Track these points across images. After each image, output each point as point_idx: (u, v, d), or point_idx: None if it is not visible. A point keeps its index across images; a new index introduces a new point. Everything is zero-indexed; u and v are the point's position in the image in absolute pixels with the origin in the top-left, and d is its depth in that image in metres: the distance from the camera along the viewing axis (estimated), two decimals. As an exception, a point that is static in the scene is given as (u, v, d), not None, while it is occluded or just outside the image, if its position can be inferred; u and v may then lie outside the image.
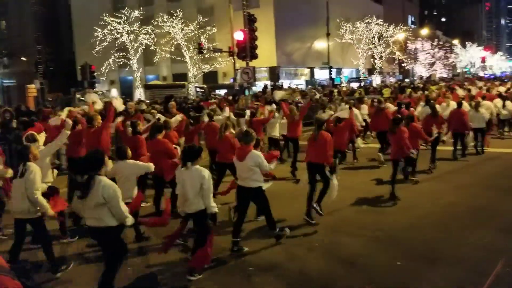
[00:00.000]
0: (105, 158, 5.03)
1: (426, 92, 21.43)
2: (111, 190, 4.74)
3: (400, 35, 60.24)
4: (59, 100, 31.21)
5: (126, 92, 49.22)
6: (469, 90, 19.51)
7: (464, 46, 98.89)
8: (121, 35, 41.85)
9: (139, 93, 42.57)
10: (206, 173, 5.57)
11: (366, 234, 6.93)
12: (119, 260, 5.10)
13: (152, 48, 43.32)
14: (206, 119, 10.62)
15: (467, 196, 8.74)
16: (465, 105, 12.87)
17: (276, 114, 12.22)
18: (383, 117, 11.87)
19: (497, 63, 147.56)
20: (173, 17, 42.30)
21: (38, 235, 6.07)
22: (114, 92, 55.22)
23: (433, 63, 77.16)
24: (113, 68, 45.58)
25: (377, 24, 56.18)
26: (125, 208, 4.89)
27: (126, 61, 43.89)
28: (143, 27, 42.78)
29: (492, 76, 72.25)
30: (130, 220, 4.99)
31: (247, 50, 21.41)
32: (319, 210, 7.44)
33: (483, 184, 9.64)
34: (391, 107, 13.54)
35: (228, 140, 8.38)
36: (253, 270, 5.78)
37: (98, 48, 41.77)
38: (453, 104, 13.00)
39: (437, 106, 12.53)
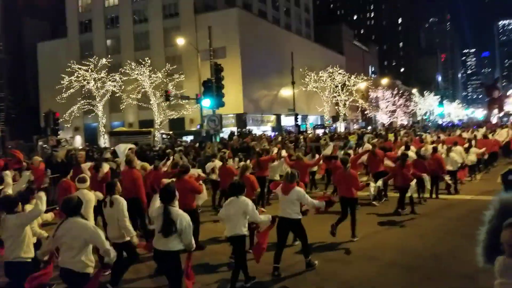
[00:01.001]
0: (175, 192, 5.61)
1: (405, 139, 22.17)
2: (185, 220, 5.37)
3: (362, 84, 62.55)
4: (19, 148, 30.34)
5: (90, 139, 48.56)
6: (438, 137, 21.11)
7: (422, 94, 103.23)
8: (88, 82, 41.75)
9: (103, 140, 42.02)
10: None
11: (329, 286, 6.92)
12: (180, 279, 5.57)
13: (118, 95, 43.31)
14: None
15: (430, 243, 8.91)
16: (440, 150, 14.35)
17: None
18: (378, 160, 13.18)
19: (455, 111, 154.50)
20: (141, 65, 42.67)
21: (131, 256, 6.79)
22: (78, 139, 54.35)
23: (394, 111, 79.96)
24: (77, 115, 45.13)
25: (339, 73, 58.28)
26: None
27: (91, 108, 43.57)
28: (111, 74, 42.90)
29: (450, 124, 75.33)
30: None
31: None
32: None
33: (445, 230, 9.86)
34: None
35: (248, 179, 9.02)
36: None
37: (64, 95, 41.43)
38: (429, 149, 14.36)
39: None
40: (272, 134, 44.51)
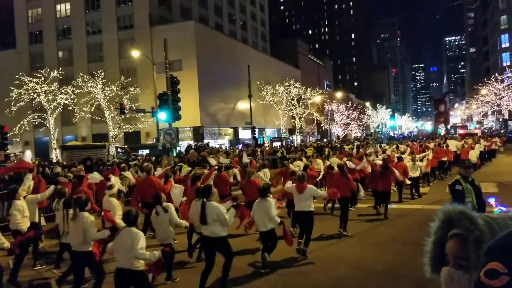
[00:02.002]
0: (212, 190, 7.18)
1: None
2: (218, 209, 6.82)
3: (317, 98, 63.79)
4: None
5: (42, 154, 46.80)
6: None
7: (375, 108, 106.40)
8: (38, 95, 40.26)
9: (55, 155, 40.55)
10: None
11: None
12: (232, 257, 7.08)
13: (71, 108, 42.02)
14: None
15: (384, 253, 9.11)
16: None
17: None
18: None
19: (406, 124, 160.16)
20: (95, 77, 41.68)
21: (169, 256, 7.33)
22: (28, 154, 52.18)
23: (349, 124, 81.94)
24: (27, 129, 43.37)
25: (295, 87, 59.20)
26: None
27: (42, 121, 42.02)
28: (62, 87, 41.59)
29: (401, 136, 78.01)
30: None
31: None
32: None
33: (399, 240, 10.12)
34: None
35: (254, 183, 10.37)
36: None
37: (13, 108, 39.77)
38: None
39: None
40: (240, 146, 44.51)
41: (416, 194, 15.46)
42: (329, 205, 13.51)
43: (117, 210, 8.19)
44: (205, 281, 6.84)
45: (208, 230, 6.83)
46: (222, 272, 6.97)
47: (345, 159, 15.48)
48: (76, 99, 42.16)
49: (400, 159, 15.29)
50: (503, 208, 4.43)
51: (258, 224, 8.13)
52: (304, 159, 18.44)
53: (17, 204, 8.27)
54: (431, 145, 23.17)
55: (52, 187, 9.75)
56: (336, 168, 11.93)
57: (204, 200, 6.87)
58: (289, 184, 9.78)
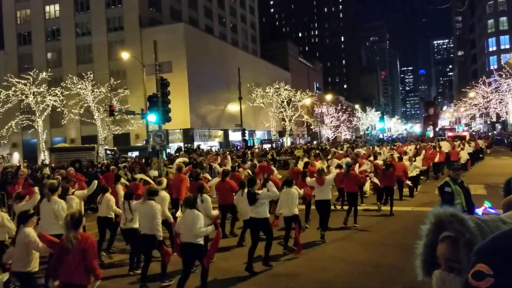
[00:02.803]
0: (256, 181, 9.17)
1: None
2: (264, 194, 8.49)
3: (307, 100, 64.00)
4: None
5: (30, 156, 46.33)
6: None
7: (364, 110, 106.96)
8: (27, 97, 39.86)
9: (44, 157, 40.17)
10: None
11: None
12: (272, 236, 8.57)
13: (60, 109, 41.66)
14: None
15: (375, 255, 9.15)
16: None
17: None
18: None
19: (395, 126, 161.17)
20: (84, 79, 41.39)
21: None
22: (16, 156, 51.72)
23: (338, 126, 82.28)
24: (15, 131, 42.87)
25: (285, 89, 59.35)
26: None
27: (31, 123, 41.61)
28: (51, 88, 41.23)
29: (391, 138, 78.46)
30: None
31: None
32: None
33: (388, 242, 10.18)
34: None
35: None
36: None
37: (1, 110, 39.34)
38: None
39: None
40: (238, 146, 44.28)
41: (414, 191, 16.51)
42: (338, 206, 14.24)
43: (166, 202, 9.17)
44: (252, 256, 8.16)
45: (254, 212, 8.35)
46: (265, 251, 8.32)
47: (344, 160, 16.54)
48: (65, 101, 41.82)
49: (400, 159, 16.47)
50: (492, 210, 4.49)
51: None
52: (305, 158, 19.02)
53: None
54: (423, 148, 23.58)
55: (95, 182, 10.54)
56: (344, 166, 12.88)
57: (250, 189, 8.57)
58: (308, 179, 11.29)
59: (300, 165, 14.69)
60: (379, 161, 15.44)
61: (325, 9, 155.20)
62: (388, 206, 13.27)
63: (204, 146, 47.30)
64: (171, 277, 7.71)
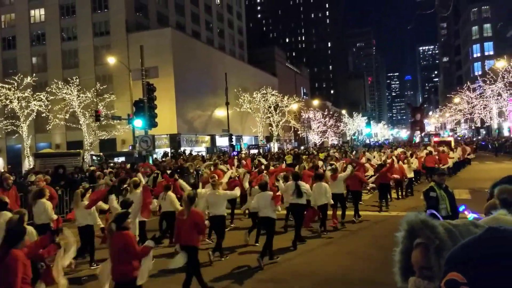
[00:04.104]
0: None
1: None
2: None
3: (294, 105, 64.18)
4: None
5: (14, 162, 45.68)
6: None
7: (351, 115, 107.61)
8: (11, 102, 39.31)
9: (28, 163, 39.63)
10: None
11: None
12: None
13: (44, 115, 41.16)
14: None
15: (359, 260, 9.15)
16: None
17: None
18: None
19: (381, 131, 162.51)
20: (69, 84, 40.99)
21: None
22: (0, 162, 50.92)
23: (325, 131, 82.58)
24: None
25: (272, 94, 59.46)
26: None
27: (15, 128, 41.02)
28: (36, 93, 40.74)
29: (378, 143, 78.98)
30: None
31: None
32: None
33: (374, 247, 10.19)
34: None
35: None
36: None
37: (-17, 115, 38.75)
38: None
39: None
40: (234, 152, 44.04)
41: (409, 191, 18.07)
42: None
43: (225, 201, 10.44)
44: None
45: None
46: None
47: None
48: (50, 106, 41.37)
49: (398, 160, 18.12)
50: (475, 215, 4.49)
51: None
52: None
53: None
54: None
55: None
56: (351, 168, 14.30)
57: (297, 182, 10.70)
58: (328, 172, 13.27)
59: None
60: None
61: (312, 15, 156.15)
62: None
63: (191, 151, 47.05)
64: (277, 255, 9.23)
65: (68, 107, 41.45)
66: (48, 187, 12.31)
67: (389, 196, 16.18)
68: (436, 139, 48.14)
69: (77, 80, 41.98)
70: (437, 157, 22.54)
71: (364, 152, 30.63)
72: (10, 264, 4.53)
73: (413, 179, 19.08)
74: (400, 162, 18.24)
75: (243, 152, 48.30)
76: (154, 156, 31.16)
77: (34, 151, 43.49)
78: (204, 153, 47.90)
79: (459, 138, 63.84)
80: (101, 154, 38.99)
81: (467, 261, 1.11)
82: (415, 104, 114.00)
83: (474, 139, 64.83)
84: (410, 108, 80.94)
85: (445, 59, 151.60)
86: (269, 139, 65.42)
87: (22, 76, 40.43)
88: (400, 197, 17.30)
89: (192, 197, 7.41)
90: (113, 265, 5.58)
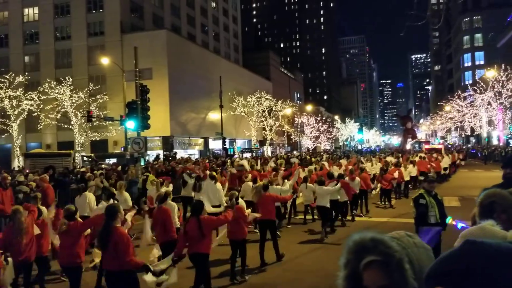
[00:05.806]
0: None
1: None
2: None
3: (288, 110, 64.31)
4: None
5: (3, 161, 45.22)
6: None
7: (344, 121, 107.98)
8: (2, 100, 39.03)
9: (18, 163, 39.32)
10: None
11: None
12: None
13: (36, 114, 40.88)
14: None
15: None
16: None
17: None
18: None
19: (373, 138, 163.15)
20: (62, 83, 40.78)
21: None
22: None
23: (318, 136, 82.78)
24: (-11, 135, 41.91)
25: (266, 99, 59.58)
26: None
27: (5, 127, 40.70)
28: (28, 93, 40.47)
29: (369, 149, 79.28)
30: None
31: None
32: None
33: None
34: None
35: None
36: None
37: (-27, 114, 38.42)
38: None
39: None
40: (236, 155, 43.95)
41: (403, 193, 19.15)
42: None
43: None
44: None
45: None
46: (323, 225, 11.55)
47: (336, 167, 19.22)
48: (42, 106, 41.10)
49: (397, 165, 19.71)
50: (463, 224, 4.55)
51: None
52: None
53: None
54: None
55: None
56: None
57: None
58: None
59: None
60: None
61: (307, 21, 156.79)
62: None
63: (184, 154, 46.93)
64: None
65: (60, 107, 41.22)
66: (49, 186, 12.31)
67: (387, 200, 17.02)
68: (427, 146, 48.52)
69: (70, 80, 41.77)
70: (430, 164, 22.85)
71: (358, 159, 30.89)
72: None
73: (410, 184, 20.32)
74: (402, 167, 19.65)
75: (237, 156, 48.30)
76: (147, 158, 31.07)
77: (24, 151, 43.18)
78: (197, 156, 47.89)
79: (449, 146, 64.28)
80: (93, 155, 38.78)
81: (450, 276, 1.12)
82: (404, 113, 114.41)
83: (464, 147, 65.30)
84: (399, 118, 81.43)
85: (436, 67, 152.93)
86: (262, 143, 65.47)
87: (14, 75, 40.19)
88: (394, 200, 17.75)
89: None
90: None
